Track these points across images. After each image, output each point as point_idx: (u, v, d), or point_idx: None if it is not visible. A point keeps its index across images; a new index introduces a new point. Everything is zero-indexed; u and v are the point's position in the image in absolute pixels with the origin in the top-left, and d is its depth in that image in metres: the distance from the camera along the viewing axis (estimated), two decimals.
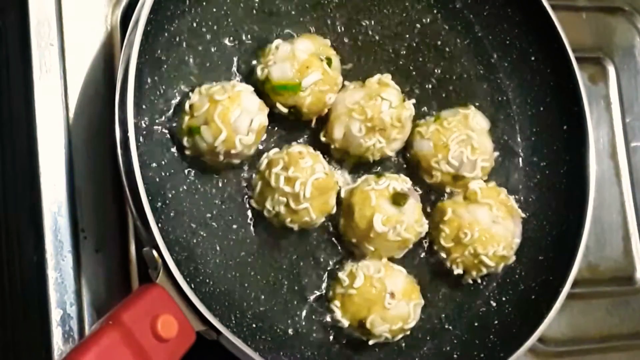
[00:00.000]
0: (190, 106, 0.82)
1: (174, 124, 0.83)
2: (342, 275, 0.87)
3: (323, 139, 0.89)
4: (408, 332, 0.88)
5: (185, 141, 0.82)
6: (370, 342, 0.86)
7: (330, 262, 0.89)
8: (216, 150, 0.81)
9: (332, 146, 0.88)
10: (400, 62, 0.96)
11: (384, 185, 0.87)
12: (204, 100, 0.81)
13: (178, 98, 0.84)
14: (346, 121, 0.87)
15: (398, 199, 0.86)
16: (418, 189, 0.92)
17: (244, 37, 0.88)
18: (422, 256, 0.93)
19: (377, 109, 0.87)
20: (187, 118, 0.82)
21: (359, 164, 0.90)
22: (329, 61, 0.87)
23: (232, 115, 0.80)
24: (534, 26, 0.98)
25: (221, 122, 0.80)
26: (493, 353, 0.90)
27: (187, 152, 0.83)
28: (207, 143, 0.81)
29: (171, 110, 0.83)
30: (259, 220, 0.86)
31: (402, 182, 0.88)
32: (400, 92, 0.90)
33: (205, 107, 0.81)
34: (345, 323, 0.86)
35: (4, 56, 0.90)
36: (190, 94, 0.83)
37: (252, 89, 0.84)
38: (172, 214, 0.82)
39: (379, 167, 0.91)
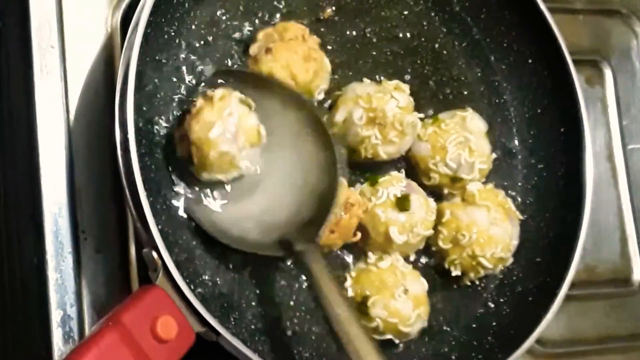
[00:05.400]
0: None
1: (174, 126, 0.83)
2: (370, 254, 0.88)
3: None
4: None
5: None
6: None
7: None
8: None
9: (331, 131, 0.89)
10: (398, 65, 0.96)
11: (384, 197, 0.87)
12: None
13: (178, 100, 0.84)
14: (350, 107, 0.88)
15: (403, 203, 0.87)
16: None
17: (244, 38, 0.88)
18: (420, 258, 0.93)
19: (384, 102, 0.87)
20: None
21: (354, 163, 0.90)
22: None
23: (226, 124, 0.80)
24: (531, 29, 0.98)
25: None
26: (491, 355, 0.90)
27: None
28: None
29: (171, 112, 0.84)
30: None
31: (397, 184, 0.89)
32: (412, 102, 0.90)
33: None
34: (350, 292, 0.86)
35: (4, 58, 0.90)
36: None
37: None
38: (172, 216, 0.82)
39: (379, 170, 0.91)
